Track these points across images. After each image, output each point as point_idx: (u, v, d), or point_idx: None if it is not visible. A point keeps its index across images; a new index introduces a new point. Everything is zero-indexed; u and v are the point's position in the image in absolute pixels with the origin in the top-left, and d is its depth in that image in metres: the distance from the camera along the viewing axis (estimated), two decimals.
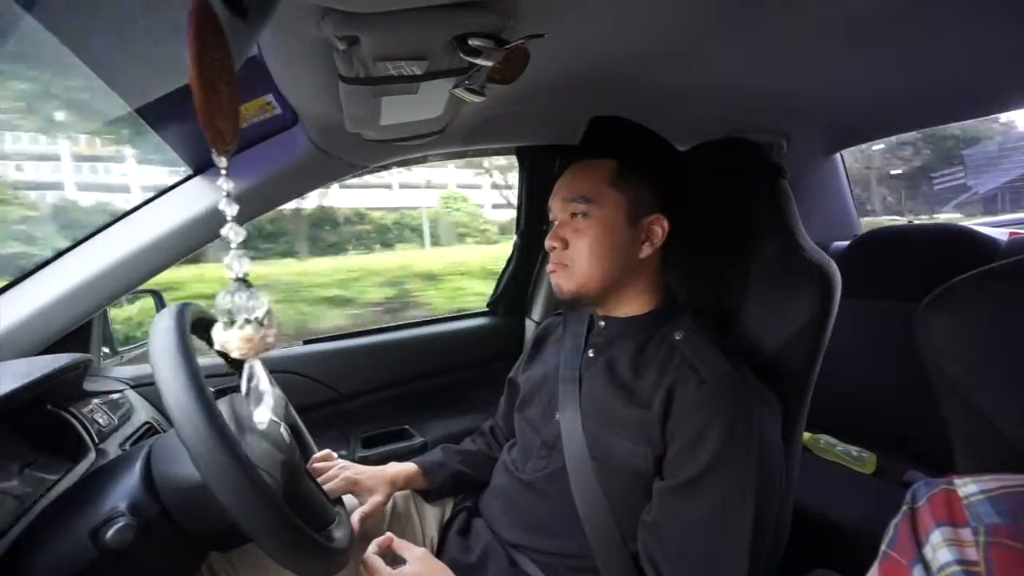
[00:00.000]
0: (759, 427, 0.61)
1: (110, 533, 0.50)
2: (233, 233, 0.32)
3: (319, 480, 0.77)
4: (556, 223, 0.75)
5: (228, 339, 0.34)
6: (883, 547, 0.36)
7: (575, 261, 0.72)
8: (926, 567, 0.31)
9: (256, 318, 0.34)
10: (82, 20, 0.68)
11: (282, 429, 0.68)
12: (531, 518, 0.74)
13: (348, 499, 0.80)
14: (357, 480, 0.79)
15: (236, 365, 0.76)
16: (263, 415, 0.42)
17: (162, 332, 0.52)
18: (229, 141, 0.31)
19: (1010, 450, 0.41)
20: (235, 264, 0.33)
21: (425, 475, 0.87)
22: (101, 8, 0.69)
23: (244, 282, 0.34)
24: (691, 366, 0.65)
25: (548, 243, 0.74)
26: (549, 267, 0.75)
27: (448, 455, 0.92)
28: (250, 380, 0.40)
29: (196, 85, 0.28)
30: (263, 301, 0.34)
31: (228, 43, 0.29)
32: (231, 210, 0.32)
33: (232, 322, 0.34)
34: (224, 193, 0.31)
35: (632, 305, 0.75)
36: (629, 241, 0.71)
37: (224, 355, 0.37)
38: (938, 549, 0.31)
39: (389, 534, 0.69)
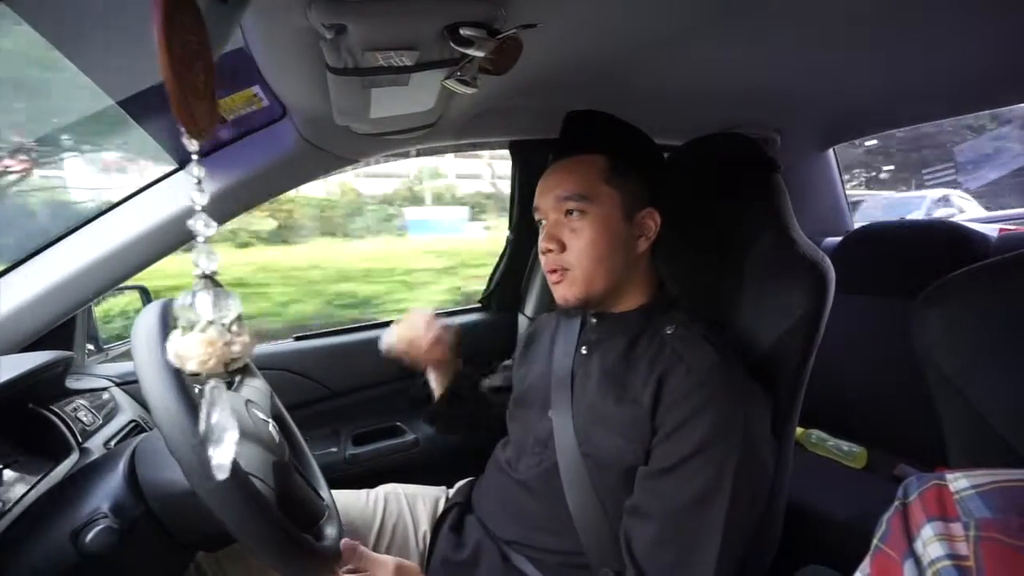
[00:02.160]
0: (744, 421, 0.61)
1: (91, 535, 0.49)
2: (202, 225, 0.28)
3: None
4: (546, 223, 0.73)
5: (184, 346, 0.28)
6: (875, 541, 0.36)
7: (575, 264, 0.69)
8: (917, 562, 0.32)
9: (223, 322, 0.28)
10: (62, 12, 0.66)
11: (271, 427, 0.66)
12: (524, 515, 0.74)
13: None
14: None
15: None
16: (223, 457, 0.31)
17: (146, 329, 0.51)
18: (203, 126, 0.28)
19: (1002, 445, 0.41)
20: (202, 260, 0.28)
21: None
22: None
23: (211, 280, 0.28)
24: (680, 358, 0.65)
25: (543, 245, 0.71)
26: (551, 279, 0.72)
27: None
28: (209, 411, 0.30)
29: (164, 63, 0.26)
30: (233, 304, 0.29)
31: (204, 26, 0.28)
32: (201, 199, 0.28)
33: (192, 326, 0.28)
34: (195, 180, 0.28)
35: (626, 301, 0.74)
36: (627, 237, 0.70)
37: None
38: (929, 544, 0.31)
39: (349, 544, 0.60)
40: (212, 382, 0.30)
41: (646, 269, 0.75)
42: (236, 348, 0.29)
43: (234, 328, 0.29)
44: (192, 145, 0.27)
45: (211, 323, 0.28)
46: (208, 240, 0.28)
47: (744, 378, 0.65)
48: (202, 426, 0.30)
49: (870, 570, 0.35)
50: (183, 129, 0.27)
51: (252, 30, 0.54)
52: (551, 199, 0.71)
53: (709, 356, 0.64)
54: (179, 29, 0.25)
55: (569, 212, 0.70)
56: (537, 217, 0.75)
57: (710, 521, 0.58)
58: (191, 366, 0.28)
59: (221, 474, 0.30)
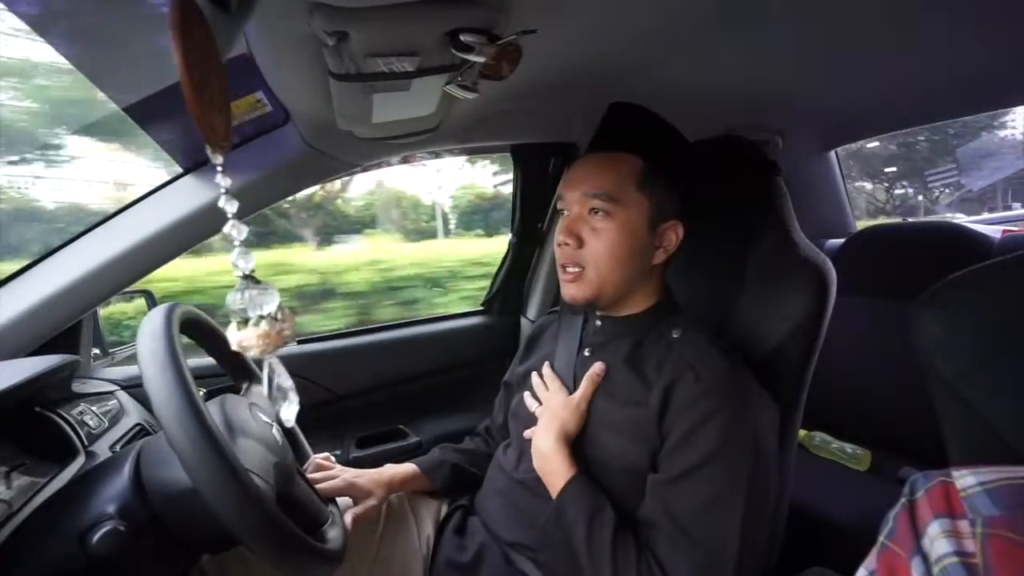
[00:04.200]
0: (754, 427, 0.61)
1: (97, 537, 0.49)
2: (236, 231, 0.32)
3: (316, 480, 0.76)
4: (567, 215, 0.71)
5: (245, 338, 0.34)
6: (881, 538, 0.36)
7: (590, 264, 0.68)
8: (924, 558, 0.32)
9: (270, 313, 0.34)
10: (67, 18, 0.67)
11: (274, 430, 0.67)
12: (526, 516, 0.74)
13: (343, 500, 0.79)
14: (354, 483, 0.78)
15: (230, 365, 0.75)
16: (290, 412, 0.42)
17: (150, 332, 0.51)
18: (223, 137, 0.30)
19: (1002, 446, 0.41)
20: (240, 261, 0.32)
21: (426, 474, 0.86)
22: (86, 6, 0.68)
23: (252, 279, 0.33)
24: (689, 364, 0.64)
25: (561, 238, 0.70)
26: (562, 274, 0.71)
27: (446, 453, 0.91)
28: (271, 379, 0.40)
29: (186, 81, 0.27)
30: (274, 296, 0.34)
31: (215, 37, 0.29)
32: (231, 207, 0.31)
33: (246, 320, 0.34)
34: (222, 190, 0.31)
35: (632, 305, 0.74)
36: (646, 247, 0.69)
37: (229, 358, 0.36)
38: (936, 540, 0.31)
39: None
40: (270, 358, 0.38)
41: (658, 276, 0.74)
42: (287, 332, 0.35)
43: (279, 316, 0.34)
44: (217, 158, 0.30)
45: (262, 317, 0.33)
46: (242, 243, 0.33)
47: (751, 383, 0.65)
48: (266, 388, 0.39)
49: (876, 567, 0.35)
50: (207, 144, 0.29)
51: (255, 37, 0.55)
52: (578, 193, 0.70)
53: (718, 363, 0.63)
54: (195, 44, 0.26)
55: (594, 210, 0.68)
56: (559, 207, 0.73)
57: (726, 526, 0.58)
58: (253, 353, 0.34)
59: (288, 424, 0.41)
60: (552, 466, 0.68)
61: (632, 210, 0.68)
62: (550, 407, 0.72)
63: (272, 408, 0.42)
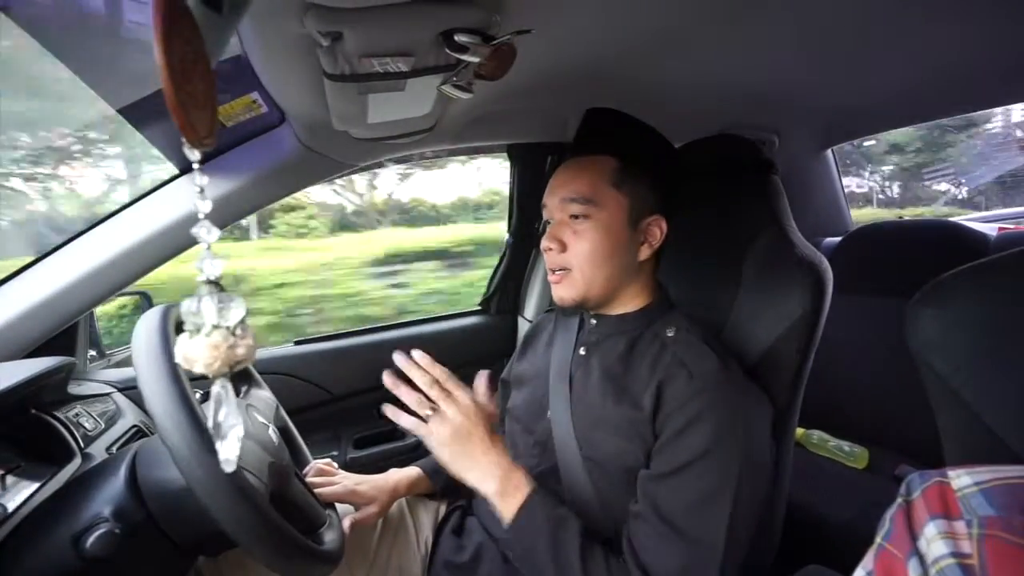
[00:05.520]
0: (745, 425, 0.61)
1: (92, 540, 0.49)
2: (205, 231, 0.29)
3: (316, 485, 0.76)
4: (552, 223, 0.73)
5: (191, 350, 0.29)
6: (878, 539, 0.36)
7: (575, 266, 0.69)
8: (921, 560, 0.32)
9: (226, 326, 0.29)
10: (60, 20, 0.67)
11: (270, 431, 0.67)
12: None
13: (344, 506, 0.79)
14: (355, 490, 0.78)
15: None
16: (229, 451, 0.33)
17: (145, 334, 0.51)
18: (203, 134, 0.29)
19: (998, 443, 0.41)
20: (206, 265, 0.29)
21: (428, 477, 0.86)
22: (82, 9, 0.68)
23: (216, 285, 0.29)
24: (681, 363, 0.65)
25: (544, 244, 0.71)
26: (551, 277, 0.73)
27: None
28: (216, 409, 0.32)
29: (164, 75, 0.26)
30: (238, 308, 0.30)
31: (201, 33, 0.29)
32: (204, 207, 0.29)
33: (198, 330, 0.29)
34: (197, 189, 0.29)
35: (626, 303, 0.74)
36: (629, 244, 0.70)
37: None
38: (932, 542, 0.31)
39: None
40: (220, 382, 0.31)
41: (648, 273, 0.75)
42: (240, 351, 0.30)
43: (238, 331, 0.30)
44: (194, 155, 0.28)
45: (216, 327, 0.29)
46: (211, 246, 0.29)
47: (744, 382, 0.65)
48: (209, 423, 0.32)
49: (873, 567, 0.35)
50: (184, 140, 0.27)
51: (250, 37, 0.55)
52: (557, 199, 0.71)
53: (710, 361, 0.64)
54: (178, 40, 0.26)
55: (574, 216, 0.69)
56: (545, 216, 0.74)
57: (713, 524, 0.58)
58: (198, 368, 0.29)
59: (229, 468, 0.32)
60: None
61: (610, 209, 0.69)
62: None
63: (216, 439, 0.33)
